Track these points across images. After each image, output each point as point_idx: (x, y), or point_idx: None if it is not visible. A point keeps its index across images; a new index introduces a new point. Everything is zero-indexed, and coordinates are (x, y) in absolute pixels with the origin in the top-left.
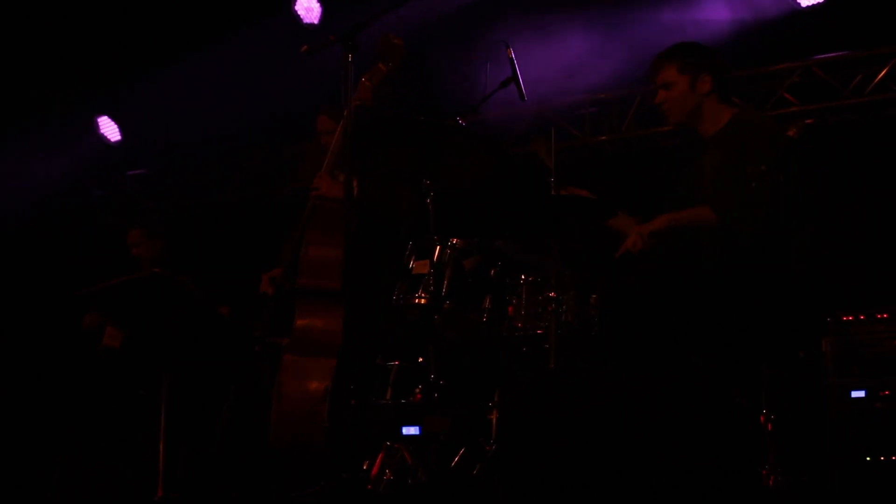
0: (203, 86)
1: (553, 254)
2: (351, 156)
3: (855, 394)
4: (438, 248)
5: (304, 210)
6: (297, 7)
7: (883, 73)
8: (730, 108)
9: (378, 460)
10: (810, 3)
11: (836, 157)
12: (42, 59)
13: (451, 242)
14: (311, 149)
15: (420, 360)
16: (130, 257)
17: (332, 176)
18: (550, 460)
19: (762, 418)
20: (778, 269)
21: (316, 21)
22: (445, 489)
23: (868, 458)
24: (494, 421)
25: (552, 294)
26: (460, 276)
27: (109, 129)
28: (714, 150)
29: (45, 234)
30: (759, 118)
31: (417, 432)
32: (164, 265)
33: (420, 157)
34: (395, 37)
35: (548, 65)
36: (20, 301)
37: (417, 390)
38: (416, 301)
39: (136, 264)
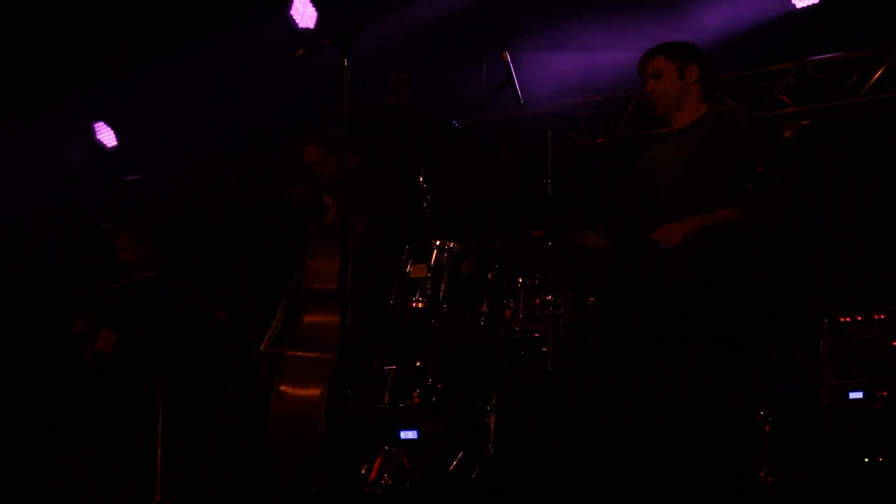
0: (198, 90)
1: (548, 255)
2: (346, 158)
3: (852, 395)
4: (435, 251)
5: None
6: (292, 11)
7: (878, 73)
8: (708, 105)
9: (376, 464)
10: (805, 4)
11: (832, 157)
12: (37, 65)
13: (448, 246)
14: (300, 176)
15: (418, 363)
16: (119, 262)
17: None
18: (548, 463)
19: (760, 420)
20: (773, 269)
21: (311, 25)
22: (444, 492)
23: (866, 459)
24: (492, 424)
25: (549, 297)
26: (457, 279)
27: (105, 134)
28: (686, 140)
29: (41, 238)
30: (743, 114)
31: (415, 436)
32: (152, 268)
33: (417, 157)
34: (404, 74)
35: (544, 67)
36: (15, 305)
37: (415, 394)
38: (414, 305)
39: (125, 269)
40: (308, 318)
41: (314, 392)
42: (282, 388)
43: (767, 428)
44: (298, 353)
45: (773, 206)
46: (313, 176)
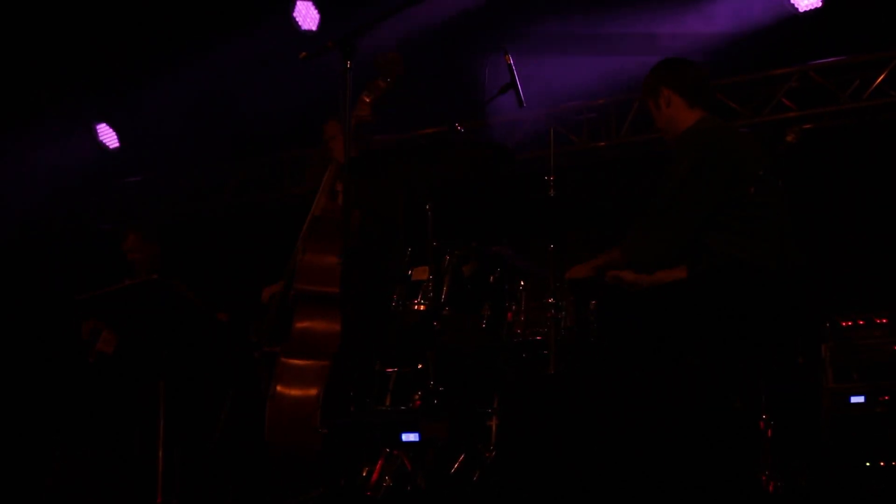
0: (200, 92)
1: (549, 259)
2: (350, 162)
3: (854, 399)
4: (437, 254)
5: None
6: (295, 13)
7: (881, 77)
8: (701, 113)
9: (377, 467)
10: (808, 8)
11: (834, 161)
12: (39, 65)
13: (450, 248)
14: (316, 155)
15: (419, 366)
16: (126, 263)
17: (330, 196)
18: (550, 466)
19: (761, 424)
20: (776, 273)
21: (314, 27)
22: (445, 495)
23: (868, 464)
24: (494, 427)
25: (551, 300)
26: (459, 282)
27: (108, 136)
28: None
29: (42, 239)
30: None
31: (417, 439)
32: (159, 270)
33: (417, 168)
34: (393, 52)
35: (546, 71)
36: (16, 305)
37: (417, 396)
38: (416, 307)
39: (131, 269)
40: (299, 324)
41: (308, 399)
42: (277, 391)
43: (769, 432)
44: (291, 361)
45: (639, 246)
46: (327, 152)
